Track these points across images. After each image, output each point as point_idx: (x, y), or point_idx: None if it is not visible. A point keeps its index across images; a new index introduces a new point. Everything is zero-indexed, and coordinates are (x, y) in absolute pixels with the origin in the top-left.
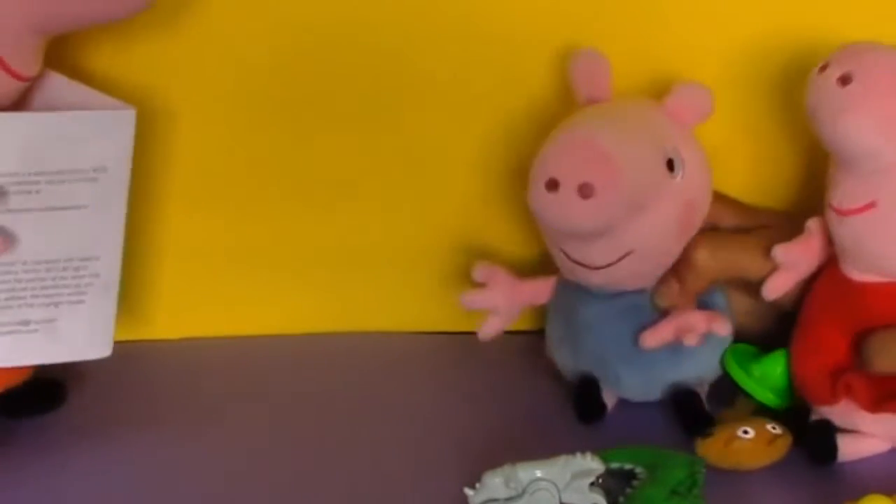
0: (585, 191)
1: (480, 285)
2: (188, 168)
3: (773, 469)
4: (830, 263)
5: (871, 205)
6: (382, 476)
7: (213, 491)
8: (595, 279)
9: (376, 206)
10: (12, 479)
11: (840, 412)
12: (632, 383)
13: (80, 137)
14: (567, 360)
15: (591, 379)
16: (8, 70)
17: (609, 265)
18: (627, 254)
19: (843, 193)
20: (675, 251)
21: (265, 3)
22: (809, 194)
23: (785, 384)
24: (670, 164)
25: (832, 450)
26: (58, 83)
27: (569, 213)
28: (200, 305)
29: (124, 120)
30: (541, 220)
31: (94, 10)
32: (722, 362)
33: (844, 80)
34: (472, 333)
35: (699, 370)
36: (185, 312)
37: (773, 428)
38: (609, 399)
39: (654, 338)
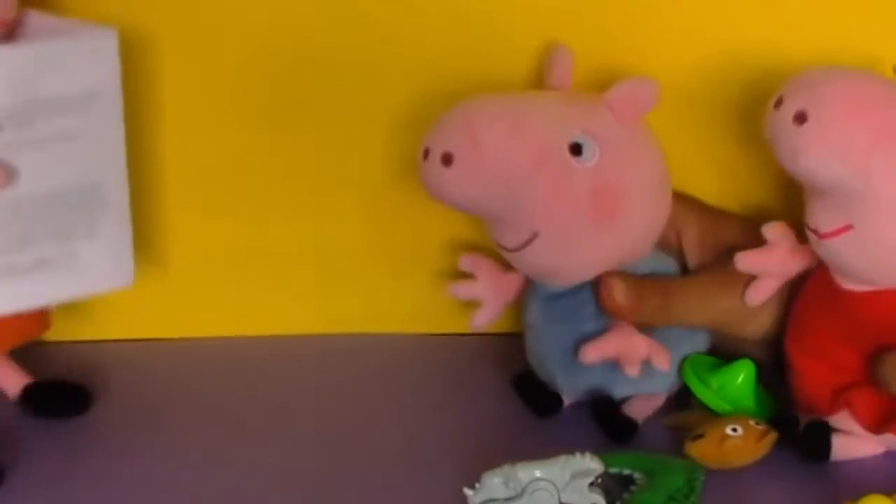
0: (446, 159)
1: (469, 276)
2: (187, 171)
3: (771, 469)
4: (820, 268)
5: (847, 227)
6: (382, 476)
7: (212, 490)
8: (516, 264)
9: (372, 208)
10: (18, 483)
11: (836, 417)
12: (566, 387)
13: (65, 64)
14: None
15: (526, 374)
16: None
17: (519, 248)
18: (533, 237)
19: (818, 217)
20: (597, 243)
21: (261, 6)
22: (783, 201)
23: (743, 395)
24: (576, 149)
25: (826, 449)
26: (34, 19)
27: (434, 181)
28: (198, 306)
29: (106, 40)
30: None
31: None
32: (680, 373)
33: (800, 119)
34: (471, 334)
35: (637, 383)
36: (182, 313)
37: (757, 423)
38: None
39: (595, 353)
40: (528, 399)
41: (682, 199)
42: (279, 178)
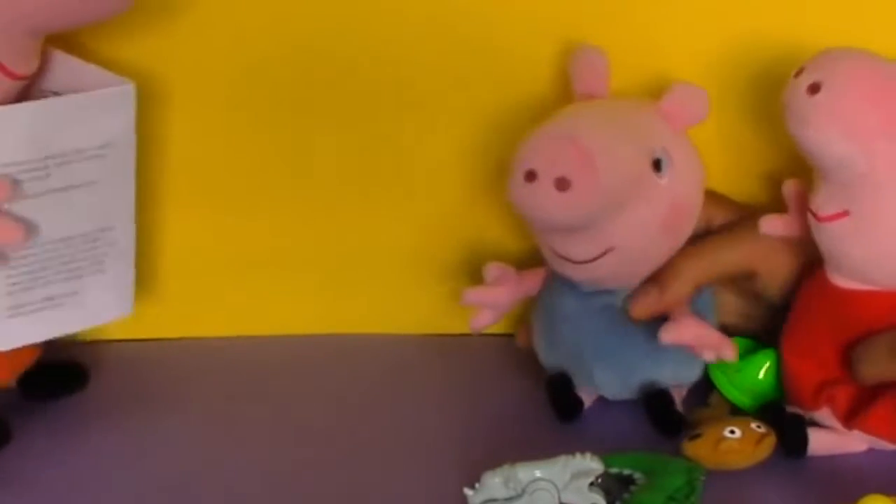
0: (562, 184)
1: (481, 282)
2: (188, 169)
3: (768, 469)
4: (818, 267)
5: (844, 213)
6: (382, 476)
7: (213, 491)
8: (578, 274)
9: (375, 208)
10: (12, 485)
11: (820, 414)
12: (605, 380)
13: (83, 119)
14: (544, 353)
15: (561, 375)
16: (7, 73)
17: (590, 261)
18: (608, 251)
19: (819, 199)
20: (660, 253)
21: (264, 4)
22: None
23: (763, 389)
24: (657, 165)
25: (802, 443)
26: (55, 60)
27: (545, 204)
28: (198, 306)
29: (125, 96)
30: (519, 211)
31: (84, 12)
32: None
33: (813, 89)
34: (471, 335)
35: (676, 372)
36: (183, 312)
37: (758, 427)
38: (588, 396)
39: (673, 335)
40: (557, 402)
41: (707, 193)
42: (283, 179)
